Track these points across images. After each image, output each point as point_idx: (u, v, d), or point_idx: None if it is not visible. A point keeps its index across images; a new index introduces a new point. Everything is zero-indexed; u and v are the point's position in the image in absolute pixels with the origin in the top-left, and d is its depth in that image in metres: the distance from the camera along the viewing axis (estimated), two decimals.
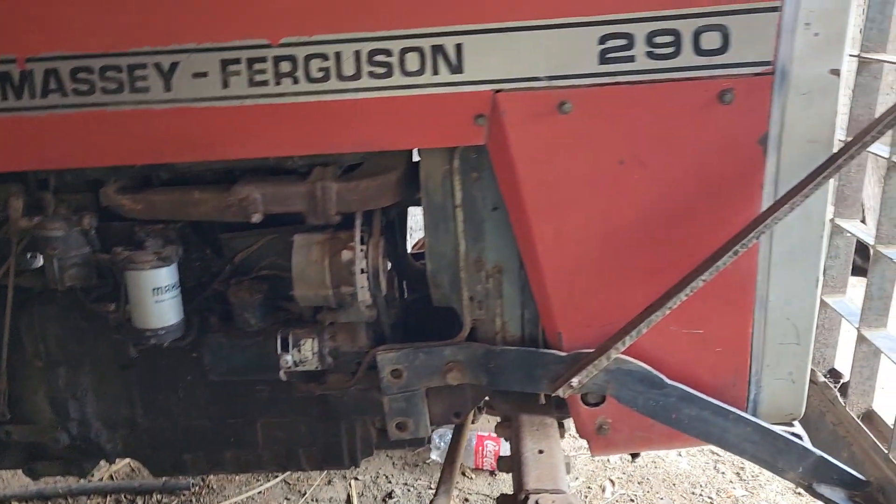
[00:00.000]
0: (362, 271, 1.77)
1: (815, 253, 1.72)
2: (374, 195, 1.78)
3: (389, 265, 1.94)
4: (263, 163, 1.82)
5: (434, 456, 3.42)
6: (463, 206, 1.79)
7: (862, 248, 2.13)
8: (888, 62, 1.85)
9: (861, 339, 1.96)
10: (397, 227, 2.06)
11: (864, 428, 1.94)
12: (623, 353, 1.74)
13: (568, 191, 1.68)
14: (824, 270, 2.24)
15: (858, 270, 2.47)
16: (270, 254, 1.91)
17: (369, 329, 1.94)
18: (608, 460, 3.34)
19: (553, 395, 1.78)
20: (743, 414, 1.79)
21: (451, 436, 2.51)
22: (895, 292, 1.96)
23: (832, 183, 2.29)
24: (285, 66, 1.64)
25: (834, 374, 2.19)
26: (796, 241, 1.71)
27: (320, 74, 1.64)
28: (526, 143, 1.65)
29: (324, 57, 1.63)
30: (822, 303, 2.20)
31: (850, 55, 2.03)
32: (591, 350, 1.76)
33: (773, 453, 1.81)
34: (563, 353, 1.79)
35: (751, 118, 1.60)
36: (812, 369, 2.23)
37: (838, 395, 2.06)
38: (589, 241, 1.72)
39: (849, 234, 2.09)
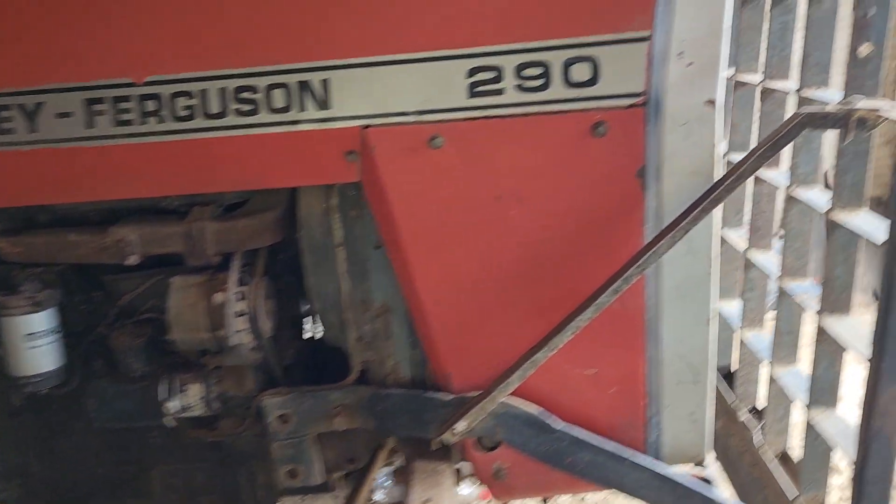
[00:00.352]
0: (241, 314, 1.71)
1: (704, 289, 1.65)
2: (252, 234, 1.73)
3: (283, 304, 1.88)
4: (146, 203, 1.77)
5: (379, 496, 3.33)
6: (344, 244, 1.74)
7: None
8: (781, 91, 1.80)
9: (772, 377, 1.89)
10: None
11: (779, 469, 1.86)
12: (515, 394, 1.68)
13: (445, 228, 1.63)
14: (743, 304, 2.17)
15: None
16: (155, 296, 1.85)
17: (259, 372, 1.87)
18: None
19: (437, 440, 1.70)
20: (639, 458, 1.71)
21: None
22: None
23: (743, 214, 2.24)
24: (150, 105, 1.60)
25: (757, 413, 2.10)
26: (684, 277, 1.65)
27: (186, 113, 1.60)
28: (399, 180, 1.60)
29: (189, 95, 1.59)
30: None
31: (756, 83, 1.98)
32: (480, 393, 1.69)
33: (674, 499, 1.72)
34: (448, 397, 1.73)
35: (626, 151, 1.55)
36: (733, 407, 2.15)
37: (754, 434, 1.97)
38: (471, 280, 1.66)
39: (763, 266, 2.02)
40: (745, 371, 2.14)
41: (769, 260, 1.99)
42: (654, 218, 1.60)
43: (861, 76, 1.47)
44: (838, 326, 1.56)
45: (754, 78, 1.98)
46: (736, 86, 2.11)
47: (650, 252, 1.52)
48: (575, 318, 1.57)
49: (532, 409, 1.70)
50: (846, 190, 1.55)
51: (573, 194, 1.59)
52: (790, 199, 1.77)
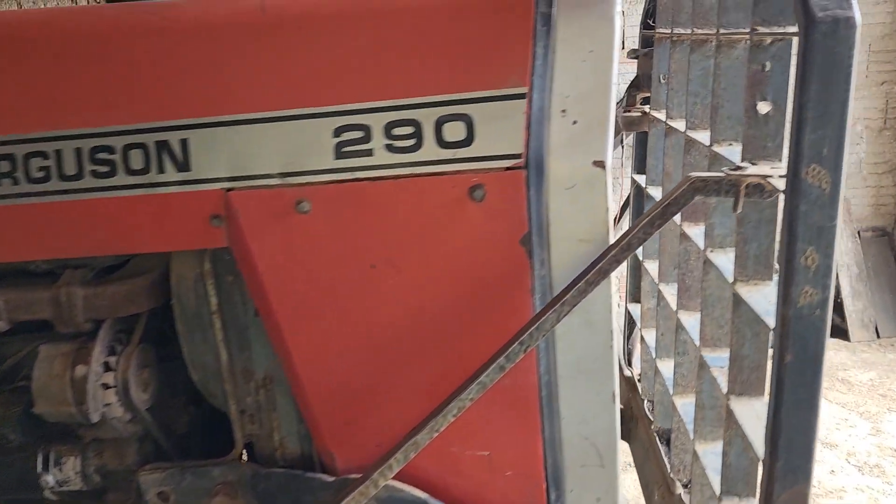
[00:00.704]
0: (108, 386, 1.60)
1: (605, 364, 1.50)
2: (124, 301, 1.62)
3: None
4: (19, 265, 1.67)
5: None
6: (221, 312, 1.61)
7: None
8: (701, 143, 1.65)
9: (695, 454, 1.72)
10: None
11: None
12: (401, 477, 1.54)
13: (317, 298, 1.50)
14: (674, 368, 2.01)
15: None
16: (31, 362, 1.75)
17: (143, 444, 1.75)
18: None
19: None
20: None
21: None
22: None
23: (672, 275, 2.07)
24: (4, 166, 1.50)
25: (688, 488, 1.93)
26: (581, 352, 1.50)
27: (41, 174, 1.50)
28: (266, 247, 1.48)
29: (44, 155, 1.49)
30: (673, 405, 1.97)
31: (679, 130, 1.83)
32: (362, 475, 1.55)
33: None
34: (330, 479, 1.59)
35: (507, 216, 1.41)
36: (670, 479, 1.98)
37: None
38: (349, 353, 1.53)
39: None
40: (680, 440, 1.97)
41: (693, 324, 1.84)
42: (544, 288, 1.46)
43: (761, 136, 1.33)
44: (745, 413, 1.40)
45: (682, 125, 1.84)
46: (667, 132, 1.96)
47: (533, 327, 1.38)
48: (457, 397, 1.43)
49: (418, 494, 1.56)
50: (751, 261, 1.40)
51: (453, 263, 1.45)
52: (707, 263, 1.62)
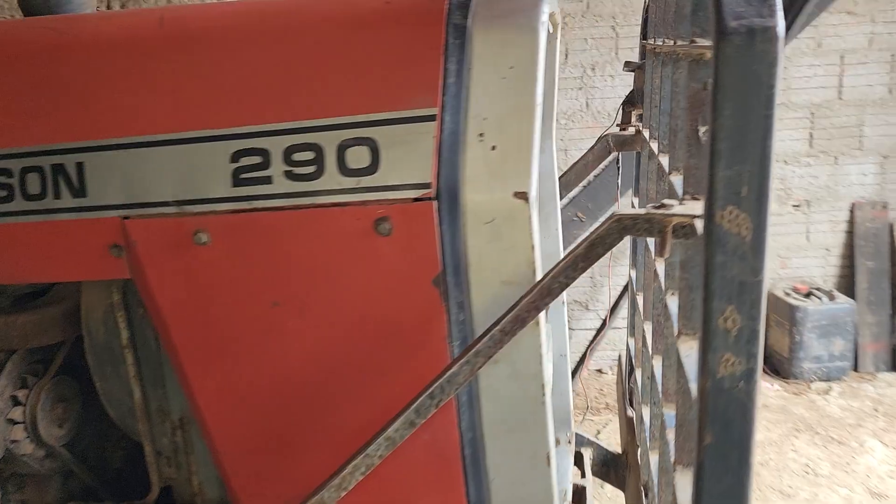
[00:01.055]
0: (16, 421, 1.51)
1: (537, 420, 1.32)
2: (35, 331, 1.52)
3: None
4: None
5: None
6: (132, 346, 1.50)
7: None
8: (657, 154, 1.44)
9: None
10: None
11: None
12: None
13: (220, 338, 1.37)
14: (650, 420, 1.79)
15: None
16: None
17: (68, 480, 1.66)
18: None
19: None
20: None
21: None
22: None
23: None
24: None
25: None
26: (510, 408, 1.32)
27: None
28: (166, 280, 1.36)
29: None
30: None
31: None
32: None
33: None
34: None
35: (418, 254, 1.25)
36: None
37: None
38: (256, 399, 1.39)
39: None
40: (652, 500, 1.76)
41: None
42: (464, 334, 1.29)
43: (703, 166, 1.12)
44: (688, 489, 1.20)
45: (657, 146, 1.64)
46: (649, 154, 1.76)
47: (443, 379, 1.21)
48: (364, 453, 1.27)
49: None
50: (696, 311, 1.19)
51: (361, 304, 1.30)
52: (666, 308, 1.41)
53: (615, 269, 4.70)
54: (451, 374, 1.20)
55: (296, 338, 1.34)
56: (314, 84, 1.25)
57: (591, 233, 1.12)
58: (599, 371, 4.80)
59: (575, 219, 4.60)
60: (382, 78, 1.22)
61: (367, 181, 1.24)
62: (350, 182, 1.25)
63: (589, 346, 4.58)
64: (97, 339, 1.52)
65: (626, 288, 4.63)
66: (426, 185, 1.22)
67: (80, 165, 1.35)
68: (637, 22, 4.43)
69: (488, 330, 1.19)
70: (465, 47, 1.20)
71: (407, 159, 1.22)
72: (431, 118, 1.20)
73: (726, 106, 0.86)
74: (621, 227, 1.10)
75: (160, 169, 1.32)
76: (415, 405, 1.22)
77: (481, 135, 1.21)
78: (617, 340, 4.78)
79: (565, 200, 4.62)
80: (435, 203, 1.22)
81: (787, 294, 4.44)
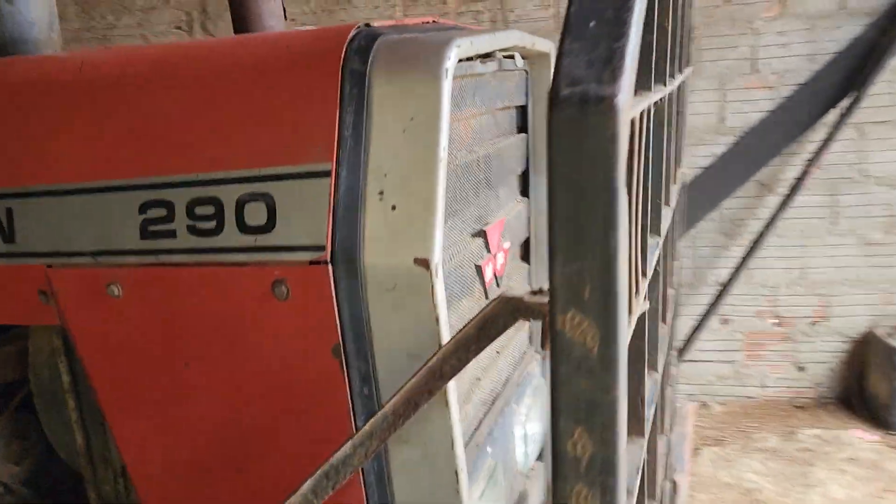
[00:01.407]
0: None
1: None
2: None
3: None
4: None
5: None
6: (74, 391, 1.48)
7: None
8: None
9: None
10: None
11: None
12: None
13: (136, 391, 1.32)
14: None
15: None
16: None
17: None
18: None
19: None
20: None
21: None
22: None
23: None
24: None
25: None
26: (424, 494, 1.19)
27: None
28: (85, 332, 1.32)
29: None
30: None
31: None
32: None
33: None
34: None
35: (315, 321, 1.14)
36: None
37: None
38: (171, 453, 1.33)
39: None
40: None
41: None
42: (368, 409, 1.17)
43: None
44: None
45: None
46: None
47: (335, 459, 1.10)
48: None
49: None
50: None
51: (263, 371, 1.21)
52: None
53: (692, 297, 4.39)
54: (345, 455, 1.09)
55: (210, 400, 1.27)
56: (216, 134, 1.18)
57: (480, 312, 0.98)
58: None
59: None
60: (278, 130, 1.13)
61: (263, 240, 1.15)
62: (247, 240, 1.16)
63: None
64: (42, 383, 1.51)
65: (702, 318, 4.33)
66: (321, 248, 1.11)
67: (9, 211, 1.34)
68: (720, 32, 4.12)
69: (380, 412, 1.07)
70: (364, 95, 1.09)
71: (302, 218, 1.12)
72: (326, 174, 1.10)
73: (559, 189, 0.70)
74: (511, 308, 0.96)
75: (77, 218, 1.28)
76: (311, 485, 1.12)
77: (381, 193, 1.09)
78: (693, 374, 4.47)
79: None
80: (330, 267, 1.11)
81: (890, 335, 3.98)
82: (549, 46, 1.69)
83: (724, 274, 4.29)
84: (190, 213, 1.19)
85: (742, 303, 4.40)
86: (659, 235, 1.43)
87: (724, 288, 4.23)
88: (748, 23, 4.09)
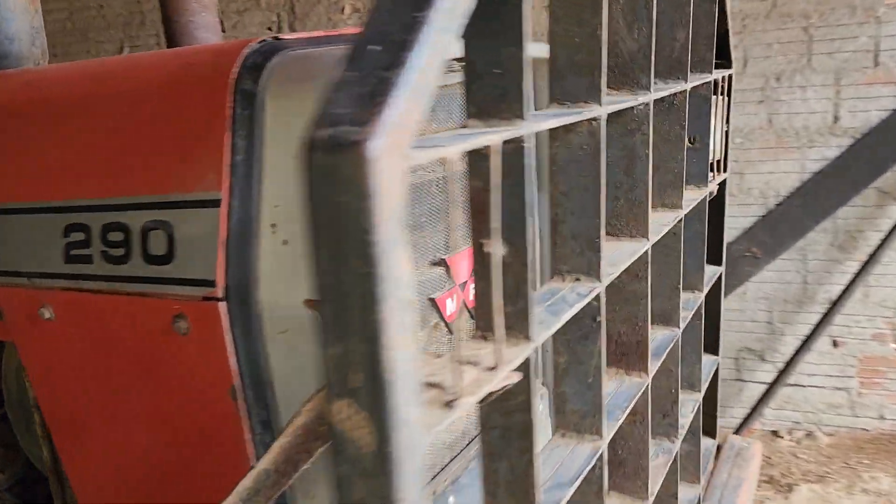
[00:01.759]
0: None
1: None
2: None
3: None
4: None
5: None
6: (38, 406, 1.47)
7: None
8: None
9: None
10: None
11: None
12: None
13: (75, 414, 1.28)
14: None
15: None
16: None
17: None
18: None
19: None
20: None
21: None
22: None
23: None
24: None
25: None
26: None
27: None
28: (28, 350, 1.30)
29: None
30: None
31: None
32: None
33: None
34: None
35: (211, 359, 1.05)
36: None
37: None
38: (108, 477, 1.29)
39: None
40: None
41: None
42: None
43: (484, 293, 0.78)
44: None
45: None
46: None
47: None
48: None
49: None
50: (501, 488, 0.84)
51: (168, 407, 1.13)
52: None
53: (798, 315, 3.98)
54: None
55: (132, 425, 1.21)
56: (121, 157, 1.11)
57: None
58: (775, 433, 4.10)
59: (748, 254, 3.96)
60: (172, 154, 1.04)
61: (164, 271, 1.07)
62: (151, 271, 1.09)
63: (758, 402, 3.92)
64: (12, 395, 1.52)
65: (808, 338, 3.91)
66: (212, 283, 1.01)
67: None
68: (837, 22, 3.68)
69: (260, 468, 0.97)
70: (255, 119, 0.98)
71: (196, 250, 1.03)
72: (217, 203, 1.00)
73: (321, 254, 0.57)
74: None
75: (14, 238, 1.26)
76: None
77: (273, 225, 0.98)
78: (799, 399, 4.06)
79: (737, 232, 3.99)
80: (224, 304, 1.01)
81: None
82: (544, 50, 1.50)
83: (836, 291, 3.86)
84: (104, 238, 1.13)
85: (857, 324, 3.95)
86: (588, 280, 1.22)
87: (834, 305, 3.80)
88: (870, 10, 3.64)
